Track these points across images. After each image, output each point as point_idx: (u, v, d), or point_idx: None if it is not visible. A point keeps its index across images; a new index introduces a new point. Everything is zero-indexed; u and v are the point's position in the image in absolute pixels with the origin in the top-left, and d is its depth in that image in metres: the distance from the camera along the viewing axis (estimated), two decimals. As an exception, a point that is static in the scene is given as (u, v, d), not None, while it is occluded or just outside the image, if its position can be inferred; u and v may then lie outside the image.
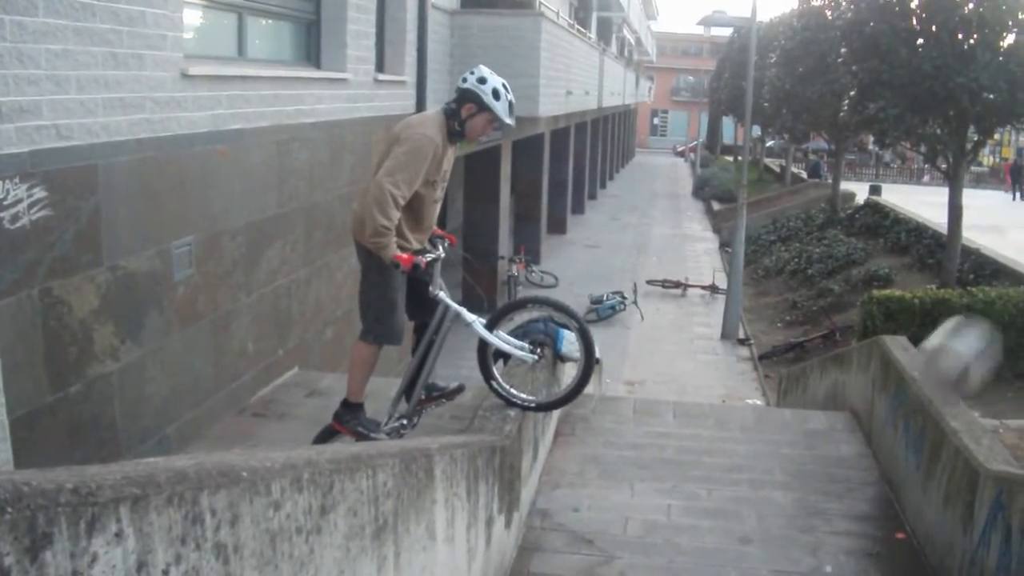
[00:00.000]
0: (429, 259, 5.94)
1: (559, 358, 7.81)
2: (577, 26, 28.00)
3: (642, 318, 22.24)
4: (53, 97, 5.55)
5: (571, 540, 6.79)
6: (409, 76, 13.40)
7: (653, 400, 11.97)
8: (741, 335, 21.49)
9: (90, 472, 1.92)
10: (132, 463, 2.28)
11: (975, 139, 19.43)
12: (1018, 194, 44.32)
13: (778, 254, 29.44)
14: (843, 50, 24.05)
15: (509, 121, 5.97)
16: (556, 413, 8.74)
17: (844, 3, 24.94)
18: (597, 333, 18.18)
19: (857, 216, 30.90)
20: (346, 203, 10.74)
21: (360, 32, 11.08)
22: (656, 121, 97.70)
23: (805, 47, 31.79)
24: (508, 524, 6.31)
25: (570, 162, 34.53)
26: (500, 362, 6.57)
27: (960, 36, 17.61)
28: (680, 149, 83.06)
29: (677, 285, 26.02)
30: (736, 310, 21.64)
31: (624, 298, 22.86)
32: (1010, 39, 17.70)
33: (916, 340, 9.93)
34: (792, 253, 28.50)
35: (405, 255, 5.65)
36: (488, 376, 6.36)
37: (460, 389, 6.72)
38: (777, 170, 52.24)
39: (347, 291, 10.62)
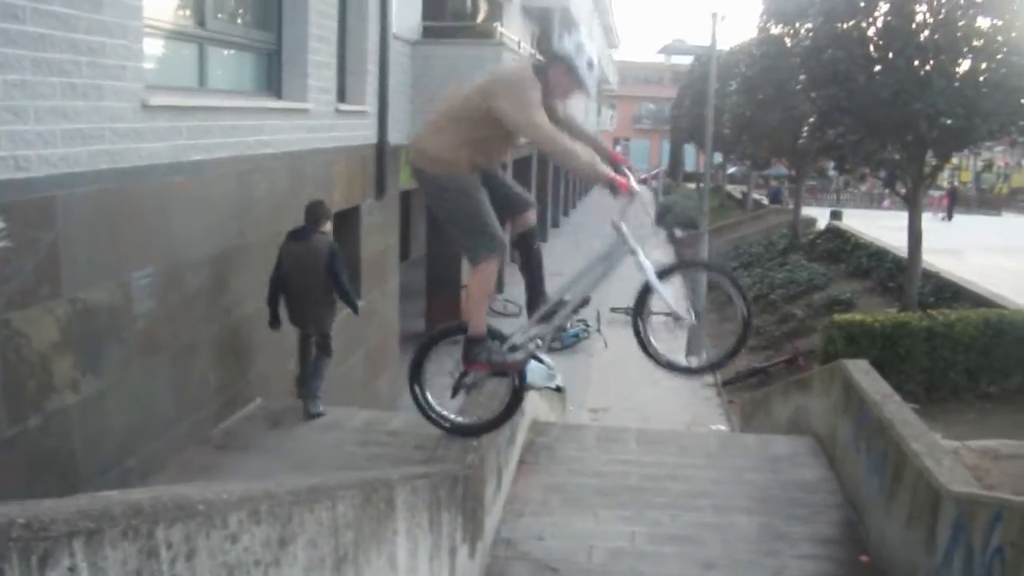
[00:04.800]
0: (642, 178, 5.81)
1: (524, 387, 7.80)
2: (539, 55, 28.12)
3: (606, 346, 22.24)
4: (11, 128, 5.53)
5: (536, 569, 6.78)
6: (371, 106, 13.43)
7: (616, 427, 11.97)
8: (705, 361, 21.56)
9: (43, 506, 1.91)
10: (88, 496, 2.27)
11: (933, 164, 19.64)
12: (948, 215, 45.46)
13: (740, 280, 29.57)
14: (802, 77, 24.24)
15: (591, 93, 5.98)
16: (519, 441, 8.74)
17: (803, 31, 25.22)
18: (560, 361, 18.18)
19: (818, 241, 31.13)
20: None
21: (321, 63, 11.10)
22: (619, 149, 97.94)
23: (765, 74, 32.01)
24: (472, 554, 6.29)
25: (533, 191, 34.59)
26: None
27: (917, 63, 17.81)
28: (642, 177, 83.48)
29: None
30: (700, 336, 21.68)
31: (588, 326, 22.86)
32: (965, 65, 17.93)
33: (878, 364, 10.01)
34: (754, 279, 28.62)
35: (620, 178, 5.67)
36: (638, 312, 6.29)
37: (586, 301, 6.58)
38: (739, 196, 52.57)
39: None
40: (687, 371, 6.71)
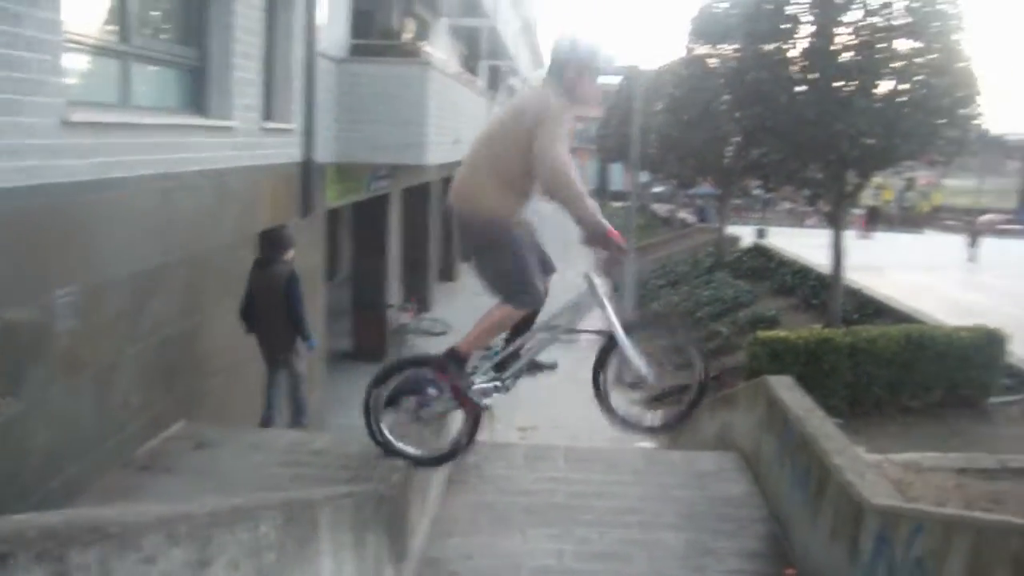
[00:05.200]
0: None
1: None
2: (467, 74, 28.17)
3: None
4: (-75, 144, 5.42)
5: (464, 589, 6.76)
6: (297, 124, 13.36)
7: (544, 445, 11.98)
8: (631, 379, 21.59)
9: (-47, 530, 1.87)
10: (1, 519, 2.22)
11: (855, 183, 19.97)
12: (868, 233, 46.39)
13: (667, 298, 29.78)
14: (727, 97, 24.55)
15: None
16: (447, 460, 8.71)
17: (728, 52, 25.53)
18: (488, 380, 18.03)
19: (744, 259, 31.51)
20: (232, 252, 10.64)
21: (246, 80, 11.02)
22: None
23: (691, 95, 32.33)
24: (398, 574, 6.25)
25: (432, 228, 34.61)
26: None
27: (839, 84, 18.13)
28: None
29: (568, 331, 26.06)
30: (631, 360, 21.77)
31: (515, 344, 22.86)
32: (886, 86, 18.29)
33: (801, 380, 10.13)
34: (681, 296, 28.85)
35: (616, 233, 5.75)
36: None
37: (554, 367, 6.78)
38: (665, 215, 52.95)
39: (235, 341, 10.47)
40: (643, 430, 6.71)
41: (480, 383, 6.39)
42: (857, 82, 18.00)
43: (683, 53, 35.54)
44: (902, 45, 18.35)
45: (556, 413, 18.39)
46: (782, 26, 19.05)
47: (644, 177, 56.08)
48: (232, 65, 10.55)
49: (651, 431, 6.77)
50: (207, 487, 7.61)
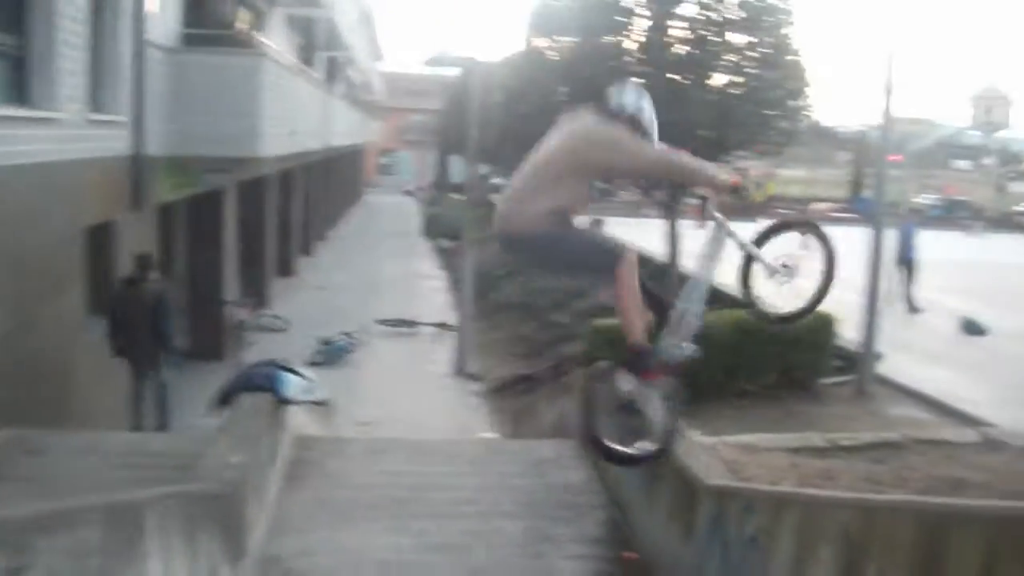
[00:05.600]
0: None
1: (282, 402, 7.68)
2: (303, 66, 27.80)
3: (374, 358, 22.10)
4: None
5: (304, 586, 6.68)
6: (125, 116, 13.00)
7: (383, 439, 11.93)
8: (472, 370, 21.66)
9: None
10: None
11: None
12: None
13: (507, 289, 29.88)
14: (564, 90, 24.76)
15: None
16: (285, 456, 8.60)
17: (566, 44, 25.73)
18: (328, 375, 17.95)
19: (582, 249, 31.79)
20: (59, 250, 10.29)
21: (71, 69, 10.66)
22: (385, 160, 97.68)
23: (529, 87, 32.41)
24: (235, 573, 6.13)
25: (298, 203, 34.12)
26: None
27: (673, 76, 18.44)
28: (410, 188, 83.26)
29: (408, 324, 26.01)
30: (467, 346, 21.82)
31: (354, 338, 22.66)
32: (720, 79, 18.70)
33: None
34: (521, 288, 28.97)
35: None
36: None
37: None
38: (505, 207, 53.14)
39: (64, 342, 10.14)
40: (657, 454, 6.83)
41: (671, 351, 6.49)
42: (691, 75, 18.34)
43: (522, 45, 35.70)
44: (735, 39, 18.77)
45: (397, 406, 18.27)
46: (617, 19, 19.29)
47: (483, 169, 56.25)
48: (56, 54, 10.19)
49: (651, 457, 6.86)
50: (35, 493, 7.35)
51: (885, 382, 14.36)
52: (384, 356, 22.35)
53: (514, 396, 18.94)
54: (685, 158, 6.29)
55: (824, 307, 14.90)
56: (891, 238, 20.06)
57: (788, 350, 14.18)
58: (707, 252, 6.70)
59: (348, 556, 7.13)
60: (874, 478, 7.81)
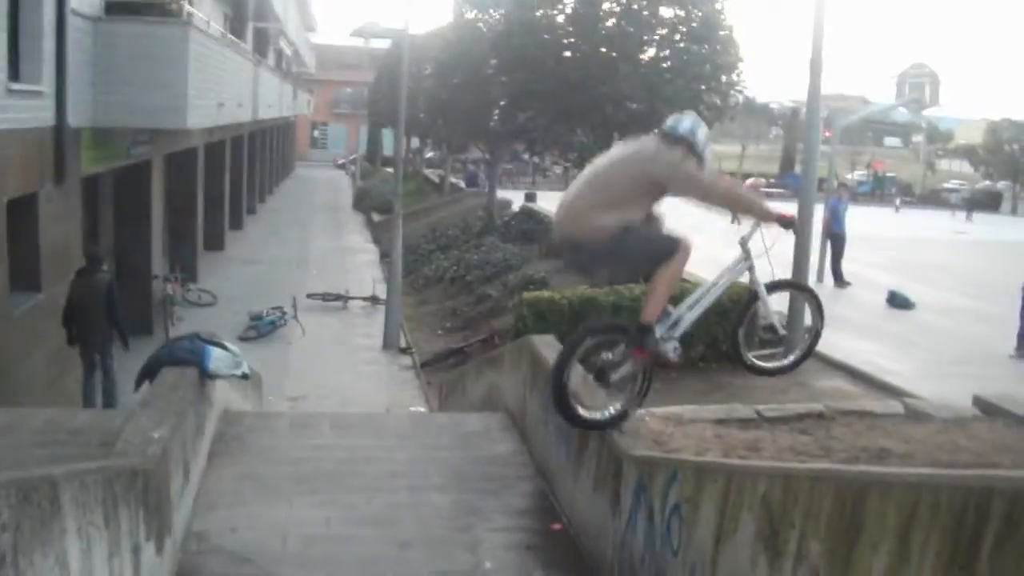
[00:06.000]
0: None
1: (206, 376, 7.60)
2: (231, 37, 27.45)
3: (303, 332, 21.98)
4: None
5: (230, 561, 6.62)
6: (47, 86, 12.76)
7: (310, 413, 11.91)
8: (403, 344, 21.64)
9: None
10: None
11: (618, 146, 20.42)
12: None
13: (438, 263, 29.87)
14: (494, 62, 24.72)
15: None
16: (209, 432, 8.52)
17: (496, 17, 25.67)
18: (257, 350, 17.89)
19: (513, 223, 31.89)
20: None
21: (-13, 38, 10.43)
22: (316, 134, 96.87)
23: (459, 59, 32.35)
24: (160, 550, 6.05)
25: (227, 176, 33.74)
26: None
27: (604, 49, 18.47)
28: (341, 161, 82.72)
29: (338, 298, 25.90)
30: (396, 320, 21.77)
31: (284, 313, 22.51)
32: (650, 53, 18.76)
33: (564, 338, 10.31)
34: (451, 261, 28.99)
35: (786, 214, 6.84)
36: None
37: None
38: (436, 180, 53.07)
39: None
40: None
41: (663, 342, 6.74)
42: (621, 48, 18.38)
43: (452, 18, 35.59)
44: (666, 12, 18.83)
45: (326, 381, 18.25)
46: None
47: (415, 142, 56.06)
48: (-30, 23, 9.96)
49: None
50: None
51: (812, 354, 14.55)
52: (314, 330, 22.25)
53: (444, 369, 18.97)
54: (741, 189, 6.79)
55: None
56: (820, 213, 20.32)
57: (716, 322, 14.26)
58: (725, 274, 7.07)
59: (276, 531, 7.08)
60: (799, 448, 7.89)
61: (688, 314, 6.92)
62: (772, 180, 69.31)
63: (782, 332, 7.44)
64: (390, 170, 64.44)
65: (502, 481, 8.19)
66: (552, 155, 29.31)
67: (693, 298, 7.02)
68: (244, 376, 9.16)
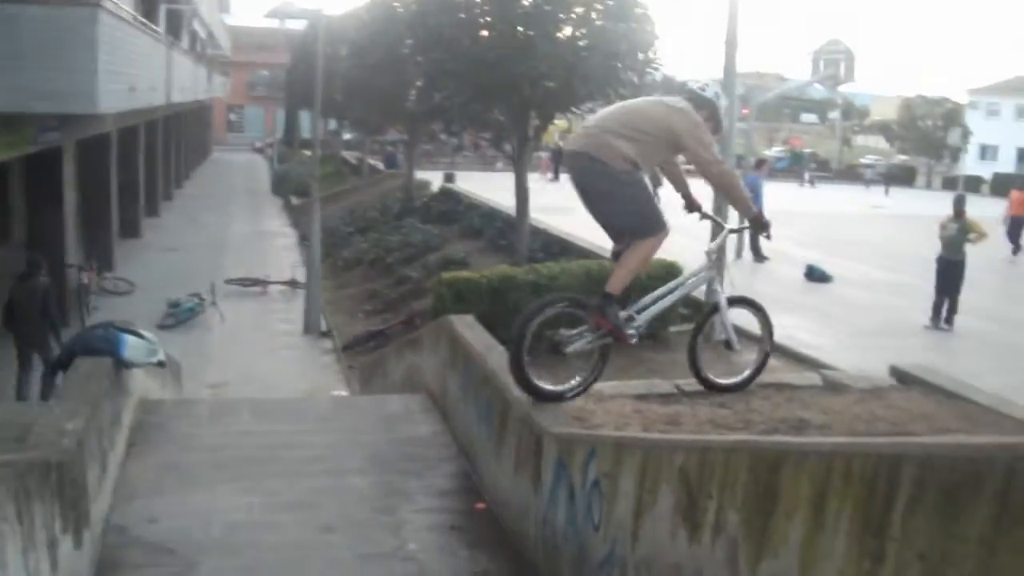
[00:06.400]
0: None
1: (122, 364, 7.51)
2: (142, 19, 26.98)
3: (222, 319, 21.74)
4: None
5: (151, 552, 6.56)
6: (-53, 73, 12.44)
7: (230, 400, 11.82)
8: (323, 328, 21.52)
9: None
10: None
11: (537, 125, 20.45)
12: (555, 175, 47.24)
13: (357, 245, 29.72)
14: (410, 42, 24.57)
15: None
16: (126, 422, 8.41)
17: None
18: (176, 338, 17.68)
19: (432, 204, 31.83)
20: None
21: None
22: (233, 117, 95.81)
23: (375, 39, 32.09)
24: (78, 544, 5.97)
25: (141, 162, 33.22)
26: None
27: (520, 28, 18.43)
28: (259, 145, 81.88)
29: (257, 283, 25.67)
30: (316, 304, 21.64)
31: (203, 299, 22.24)
32: (566, 31, 18.76)
33: (487, 318, 10.34)
34: (371, 243, 28.85)
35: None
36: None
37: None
38: (355, 163, 52.73)
39: None
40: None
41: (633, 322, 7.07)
42: (538, 27, 18.35)
43: (367, -2, 35.31)
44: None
45: (247, 367, 18.09)
46: (464, -30, 19.20)
47: (332, 124, 55.62)
48: None
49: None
50: None
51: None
52: (234, 316, 22.04)
53: (365, 352, 18.90)
54: (738, 179, 7.16)
55: (669, 255, 15.20)
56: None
57: (633, 301, 14.39)
58: (690, 279, 7.56)
59: (197, 520, 7.02)
60: (718, 421, 7.98)
61: (652, 306, 7.20)
62: (690, 157, 69.82)
63: (737, 348, 7.60)
64: (308, 153, 64.09)
65: (424, 462, 8.20)
66: (470, 135, 29.26)
67: (658, 293, 7.30)
68: (160, 364, 9.07)
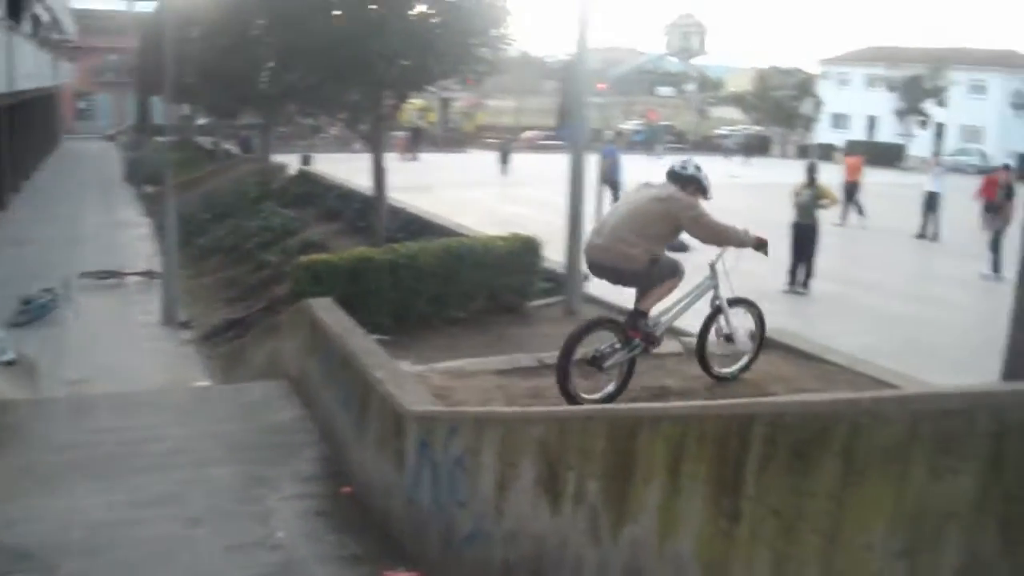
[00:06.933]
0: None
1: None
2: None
3: (78, 314, 21.15)
4: None
5: (8, 558, 6.38)
6: None
7: (90, 396, 11.53)
8: (182, 318, 21.13)
9: None
10: None
11: (392, 104, 20.36)
12: (412, 155, 47.20)
13: (214, 232, 29.26)
14: (261, 22, 24.21)
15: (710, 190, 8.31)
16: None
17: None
18: (31, 335, 17.18)
19: (290, 187, 31.51)
20: None
21: None
22: (83, 105, 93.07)
23: (225, 20, 31.47)
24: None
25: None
26: None
27: (373, 6, 18.31)
28: (110, 133, 79.72)
29: (113, 275, 25.05)
30: (174, 294, 21.20)
31: (57, 295, 21.62)
32: (419, 8, 18.70)
33: (346, 300, 10.30)
34: (228, 230, 28.44)
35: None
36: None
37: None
38: (210, 148, 51.79)
39: None
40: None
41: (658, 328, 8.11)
42: (391, 5, 18.24)
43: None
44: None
45: (107, 361, 17.64)
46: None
47: (186, 110, 54.46)
48: None
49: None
50: None
51: (593, 301, 14.82)
52: (91, 310, 21.50)
53: (226, 341, 18.64)
54: (732, 229, 8.09)
55: (529, 230, 15.26)
56: (595, 163, 20.78)
57: (495, 275, 14.43)
58: (695, 291, 8.45)
59: (57, 522, 6.85)
60: (582, 393, 8.14)
61: (663, 319, 8.17)
62: (549, 132, 70.45)
63: (739, 341, 8.48)
64: (162, 139, 62.66)
65: (288, 449, 8.15)
66: (324, 116, 28.98)
67: (671, 307, 8.25)
68: (10, 362, 8.85)
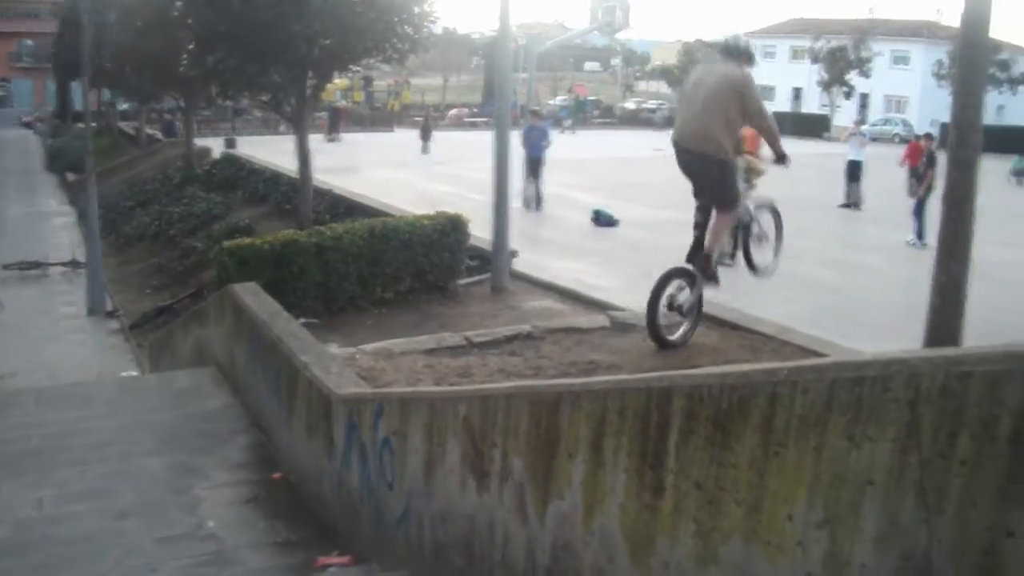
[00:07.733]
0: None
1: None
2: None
3: (1, 307, 20.84)
4: None
5: (-67, 561, 6.26)
6: None
7: (13, 391, 11.37)
8: (109, 308, 20.88)
9: None
10: None
11: (314, 84, 20.21)
12: (333, 134, 46.98)
13: (139, 219, 28.92)
14: (179, 3, 23.89)
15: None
16: None
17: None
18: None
19: (214, 171, 31.19)
20: None
21: None
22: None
23: (144, 1, 31.04)
24: None
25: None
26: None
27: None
28: (27, 119, 78.31)
29: (36, 265, 24.70)
30: (99, 283, 20.95)
31: (-23, 288, 21.27)
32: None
33: (273, 284, 10.23)
34: (153, 216, 28.13)
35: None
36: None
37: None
38: (133, 133, 51.08)
39: None
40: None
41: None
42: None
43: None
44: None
45: (32, 355, 17.41)
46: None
47: (107, 94, 53.64)
48: None
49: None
50: None
51: (521, 278, 14.86)
52: (14, 303, 21.15)
53: (154, 329, 18.45)
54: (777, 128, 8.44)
55: (455, 208, 15.26)
56: (520, 139, 20.80)
57: (421, 254, 14.39)
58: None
59: (-17, 522, 6.74)
60: (509, 370, 8.16)
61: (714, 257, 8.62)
62: (475, 109, 70.43)
63: (768, 240, 9.18)
64: (82, 126, 61.57)
65: (217, 437, 8.10)
66: (246, 97, 28.77)
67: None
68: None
